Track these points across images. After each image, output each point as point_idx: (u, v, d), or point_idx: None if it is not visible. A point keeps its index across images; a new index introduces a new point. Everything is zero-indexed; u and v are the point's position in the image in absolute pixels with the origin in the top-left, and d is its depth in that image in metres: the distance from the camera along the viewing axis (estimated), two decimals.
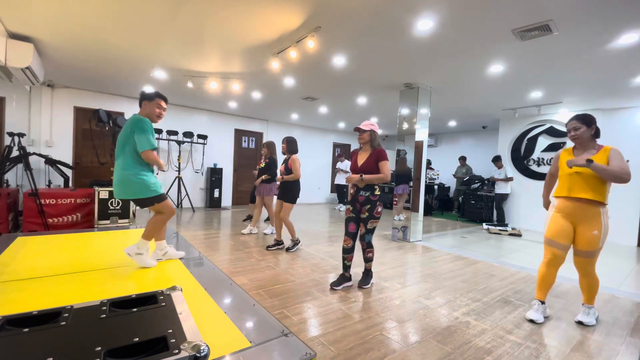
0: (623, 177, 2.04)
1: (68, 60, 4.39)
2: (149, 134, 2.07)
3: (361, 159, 2.88)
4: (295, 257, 3.73)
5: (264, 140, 8.72)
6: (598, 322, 2.38)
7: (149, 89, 5.82)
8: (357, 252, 3.02)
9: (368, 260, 2.93)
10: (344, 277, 2.92)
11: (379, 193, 2.79)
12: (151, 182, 2.13)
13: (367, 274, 2.96)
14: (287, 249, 4.00)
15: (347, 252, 2.92)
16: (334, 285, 2.84)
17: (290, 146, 4.13)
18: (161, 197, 2.17)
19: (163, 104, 2.24)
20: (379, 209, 2.79)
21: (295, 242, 4.07)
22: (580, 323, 2.34)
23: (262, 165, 4.83)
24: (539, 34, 2.97)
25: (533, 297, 2.75)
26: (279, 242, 4.11)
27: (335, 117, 8.08)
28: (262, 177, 4.72)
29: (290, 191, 3.98)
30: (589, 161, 2.10)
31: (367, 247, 2.88)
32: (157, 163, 2.14)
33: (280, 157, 5.12)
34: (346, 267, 2.93)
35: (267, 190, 4.77)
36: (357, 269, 3.37)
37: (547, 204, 2.58)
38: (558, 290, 2.99)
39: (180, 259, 2.24)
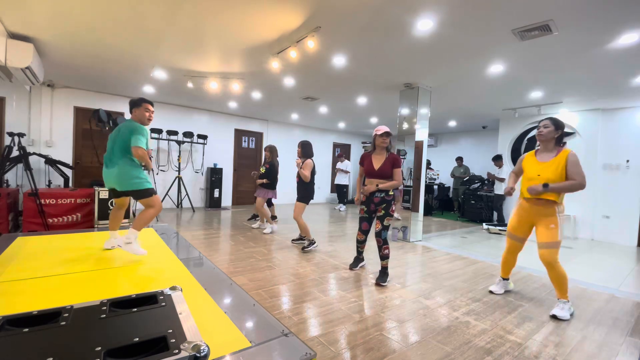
0: (578, 188, 2.35)
1: (68, 60, 4.39)
2: (143, 136, 2.33)
3: (377, 163, 3.01)
4: (296, 257, 3.73)
5: (264, 140, 8.73)
6: (590, 321, 2.39)
7: (148, 89, 5.83)
8: (367, 250, 2.99)
9: (384, 257, 3.03)
10: (359, 259, 3.37)
11: (392, 193, 3.01)
12: (146, 178, 2.39)
13: (384, 272, 3.04)
14: (303, 249, 4.05)
15: (361, 243, 3.29)
16: (352, 267, 3.32)
17: (305, 150, 4.23)
18: (153, 191, 2.40)
19: (150, 107, 2.49)
20: (393, 207, 3.04)
21: (311, 242, 4.10)
22: (554, 317, 2.42)
23: (263, 170, 4.98)
24: (539, 34, 2.97)
25: (533, 297, 2.85)
26: (302, 238, 4.36)
27: (335, 117, 8.08)
28: (263, 181, 4.90)
29: (303, 191, 4.15)
30: (545, 186, 2.39)
31: (383, 244, 3.01)
32: (145, 160, 2.38)
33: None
34: (359, 252, 3.35)
35: (264, 193, 4.94)
36: (355, 269, 3.37)
37: (510, 190, 2.68)
38: None
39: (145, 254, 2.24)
